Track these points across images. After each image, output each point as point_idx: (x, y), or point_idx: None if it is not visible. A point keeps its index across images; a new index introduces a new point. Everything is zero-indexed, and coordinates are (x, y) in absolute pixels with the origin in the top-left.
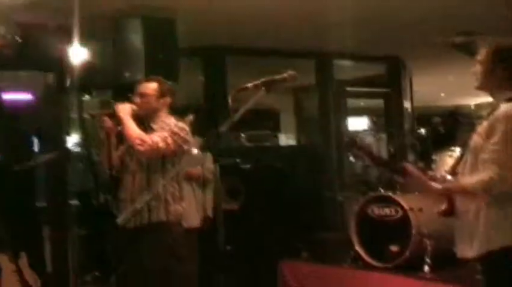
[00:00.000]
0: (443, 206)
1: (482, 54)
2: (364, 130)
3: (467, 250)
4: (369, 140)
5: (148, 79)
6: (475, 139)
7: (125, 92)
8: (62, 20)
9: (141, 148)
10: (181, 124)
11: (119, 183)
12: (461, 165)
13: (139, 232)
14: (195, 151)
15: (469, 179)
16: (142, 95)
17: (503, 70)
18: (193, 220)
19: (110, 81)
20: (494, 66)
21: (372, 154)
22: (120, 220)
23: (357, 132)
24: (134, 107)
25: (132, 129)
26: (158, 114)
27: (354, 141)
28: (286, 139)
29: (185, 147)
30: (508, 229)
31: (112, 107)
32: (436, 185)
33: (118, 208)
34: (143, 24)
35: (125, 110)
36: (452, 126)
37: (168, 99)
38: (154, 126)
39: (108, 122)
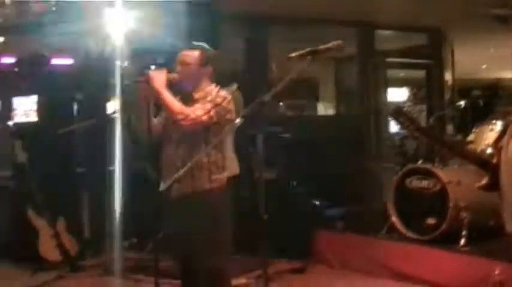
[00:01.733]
0: (485, 180)
1: None
2: (404, 101)
3: None
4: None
5: (190, 47)
6: None
7: (167, 58)
8: None
9: (184, 123)
10: (223, 93)
11: (160, 151)
12: (504, 139)
13: (182, 200)
14: (237, 119)
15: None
16: (183, 64)
17: None
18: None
19: (152, 47)
20: None
21: (419, 124)
22: (162, 187)
23: (399, 103)
24: (169, 74)
25: (172, 102)
26: (200, 83)
27: (401, 109)
28: (325, 109)
29: (228, 116)
30: None
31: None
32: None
33: (160, 176)
34: None
35: (159, 79)
36: (491, 99)
37: (210, 68)
38: (196, 95)
39: (145, 90)
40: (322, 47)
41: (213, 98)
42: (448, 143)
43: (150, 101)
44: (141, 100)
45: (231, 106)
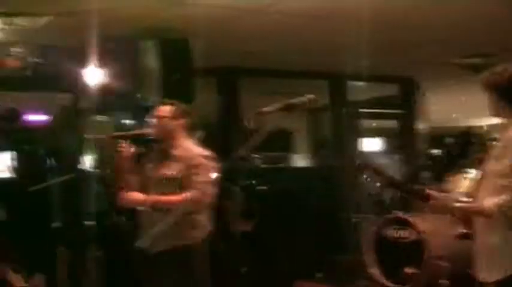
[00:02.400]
0: (460, 229)
1: (484, 82)
2: (378, 151)
3: (488, 274)
4: (382, 161)
5: (162, 103)
6: (492, 164)
7: (140, 113)
8: (79, 42)
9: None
10: (204, 152)
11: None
12: (478, 188)
13: (162, 255)
14: (214, 175)
15: (488, 202)
16: (158, 118)
17: (500, 98)
18: None
19: (126, 102)
20: (492, 94)
21: (388, 177)
22: (140, 242)
23: (371, 154)
24: (143, 130)
25: (173, 201)
26: (175, 137)
27: (368, 164)
28: (298, 160)
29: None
30: None
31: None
32: (458, 207)
33: (137, 231)
34: (158, 46)
35: (136, 199)
36: (465, 146)
37: (183, 121)
38: (174, 152)
39: (123, 146)
40: (295, 101)
41: (200, 162)
42: (414, 191)
43: (127, 158)
44: (118, 157)
45: (213, 164)
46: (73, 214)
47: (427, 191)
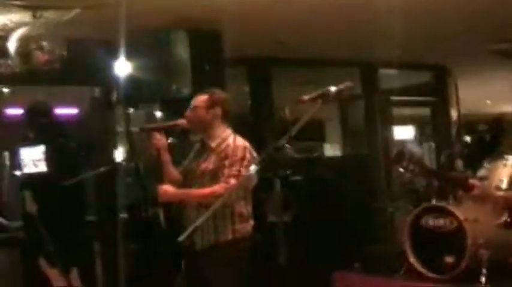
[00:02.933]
0: (504, 218)
1: None
2: (411, 139)
3: None
4: (416, 149)
5: (201, 92)
6: None
7: (172, 105)
8: (108, 35)
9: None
10: (240, 142)
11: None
12: None
13: (205, 251)
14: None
15: None
16: (193, 108)
17: None
18: None
19: (156, 94)
20: None
21: (423, 165)
22: (181, 237)
23: (404, 143)
24: (177, 121)
25: (199, 195)
26: (211, 127)
27: (402, 153)
28: (331, 149)
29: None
30: None
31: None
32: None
33: (171, 223)
34: (189, 37)
35: (167, 193)
36: (497, 133)
37: (218, 110)
38: (213, 145)
39: (158, 138)
40: (333, 89)
41: (233, 153)
42: (457, 181)
43: (162, 149)
44: (153, 149)
45: (251, 155)
46: (108, 208)
47: (470, 180)
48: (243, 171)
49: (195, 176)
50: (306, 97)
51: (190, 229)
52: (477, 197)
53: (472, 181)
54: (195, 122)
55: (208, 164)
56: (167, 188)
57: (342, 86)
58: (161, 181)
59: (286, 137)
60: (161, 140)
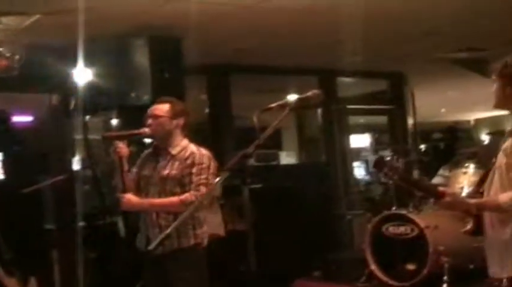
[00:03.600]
0: (469, 225)
1: (495, 72)
2: (367, 147)
3: (499, 269)
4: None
5: (160, 100)
6: (501, 158)
7: (131, 112)
8: (67, 41)
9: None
10: (204, 151)
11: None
12: (487, 183)
13: (167, 256)
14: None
15: (503, 197)
16: (154, 117)
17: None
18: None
19: (116, 101)
20: (506, 84)
21: (403, 173)
22: (151, 246)
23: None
24: (139, 130)
25: (165, 204)
26: (172, 137)
27: (383, 160)
28: (287, 157)
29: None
30: None
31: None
32: (475, 203)
33: (132, 232)
34: (148, 44)
35: (130, 202)
36: (452, 141)
37: (181, 120)
38: (173, 152)
39: (120, 146)
40: (300, 96)
41: (200, 161)
42: (430, 189)
43: (123, 158)
44: (115, 157)
45: (214, 164)
46: (66, 216)
47: (441, 188)
48: (210, 179)
49: (151, 182)
50: (273, 105)
51: (160, 237)
52: (448, 204)
53: (443, 189)
54: (159, 131)
55: (171, 170)
56: (130, 197)
57: (309, 94)
58: (119, 190)
59: (254, 144)
60: (123, 148)
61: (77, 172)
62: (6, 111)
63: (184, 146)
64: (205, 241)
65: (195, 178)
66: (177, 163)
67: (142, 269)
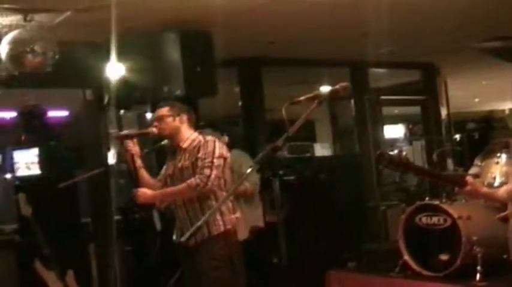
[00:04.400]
0: (503, 213)
1: None
2: (402, 138)
3: None
4: (407, 147)
5: (159, 105)
6: None
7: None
8: (100, 37)
9: (203, 190)
10: (208, 138)
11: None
12: None
13: (199, 245)
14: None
15: (502, 190)
16: (159, 119)
17: None
18: (240, 234)
19: (149, 96)
20: None
21: (407, 163)
22: (183, 238)
23: (394, 141)
24: (148, 130)
25: (178, 191)
26: (180, 132)
27: (382, 154)
28: (322, 149)
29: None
30: None
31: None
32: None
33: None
34: (180, 38)
35: (145, 195)
36: (486, 131)
37: (184, 116)
38: (184, 145)
39: (130, 145)
40: (328, 89)
41: (204, 146)
42: (449, 178)
43: (136, 157)
44: (128, 156)
45: (220, 147)
46: (101, 209)
47: (466, 177)
48: (216, 161)
49: (174, 177)
50: (302, 97)
51: (192, 229)
52: (469, 192)
53: (467, 178)
54: (165, 130)
55: (184, 162)
56: (145, 191)
57: (337, 86)
58: (135, 185)
59: (283, 137)
60: (134, 147)
61: (112, 166)
62: (42, 106)
63: (193, 139)
64: (236, 226)
65: (200, 163)
66: (187, 155)
67: (178, 261)
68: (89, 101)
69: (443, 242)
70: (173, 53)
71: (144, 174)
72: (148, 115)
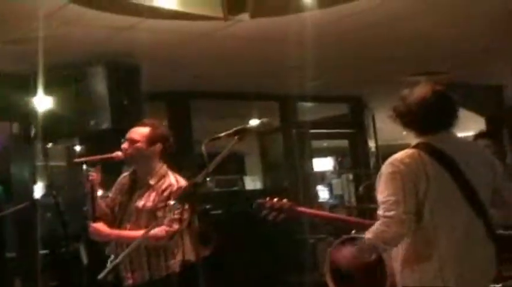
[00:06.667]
0: None
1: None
2: (330, 171)
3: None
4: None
5: (141, 123)
6: None
7: (92, 139)
8: (27, 69)
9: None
10: (182, 182)
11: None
12: None
13: None
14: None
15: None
16: (131, 141)
17: None
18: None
19: (76, 129)
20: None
21: (284, 207)
22: (101, 275)
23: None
24: (112, 154)
25: (133, 237)
26: (149, 162)
27: (258, 203)
28: (252, 182)
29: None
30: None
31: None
32: None
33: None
34: (107, 71)
35: (98, 233)
36: None
37: (159, 146)
38: (151, 182)
39: (92, 172)
40: (249, 126)
41: (175, 196)
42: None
43: (96, 186)
44: (88, 185)
45: None
46: (27, 244)
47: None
48: (185, 215)
49: (127, 212)
50: (221, 134)
51: (110, 266)
52: None
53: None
54: (133, 156)
55: (147, 201)
56: (99, 227)
57: (258, 123)
58: (90, 217)
59: (203, 173)
60: (96, 174)
61: (38, 199)
62: None
63: (162, 175)
64: (178, 271)
65: (169, 214)
66: (153, 194)
67: None
68: (15, 134)
69: (370, 275)
70: (100, 86)
71: (101, 205)
72: (77, 148)
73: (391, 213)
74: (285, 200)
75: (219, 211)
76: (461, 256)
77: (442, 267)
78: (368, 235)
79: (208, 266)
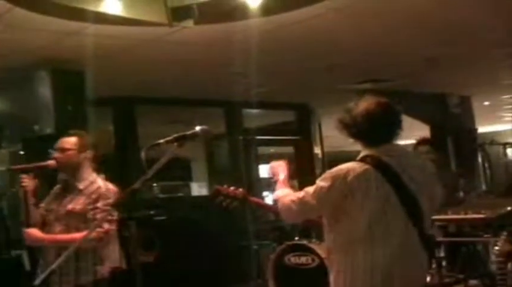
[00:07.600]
0: None
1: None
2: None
3: None
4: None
5: (68, 134)
6: None
7: (35, 144)
8: None
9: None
10: (110, 186)
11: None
12: None
13: None
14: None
15: None
16: (62, 150)
17: None
18: None
19: (20, 134)
20: None
21: (238, 194)
22: (37, 281)
23: (268, 181)
24: (45, 163)
25: (70, 239)
26: (80, 169)
27: (218, 188)
28: (199, 188)
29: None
30: None
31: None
32: None
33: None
34: (51, 77)
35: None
36: None
37: (89, 153)
38: (80, 186)
39: (26, 180)
40: (187, 133)
41: (106, 197)
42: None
43: (29, 192)
44: (21, 191)
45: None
46: None
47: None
48: (115, 216)
49: (56, 217)
50: (161, 140)
51: (46, 272)
52: None
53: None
54: (66, 164)
55: (76, 205)
56: (33, 232)
57: (197, 130)
58: (24, 224)
59: (141, 179)
60: (29, 182)
61: None
62: None
63: (92, 181)
64: (107, 277)
65: (99, 214)
66: (83, 198)
67: None
68: None
69: (311, 282)
70: (45, 91)
71: (34, 212)
72: (21, 153)
73: (303, 194)
74: (240, 190)
75: (163, 217)
76: (393, 264)
77: (373, 275)
78: (278, 193)
79: (150, 272)
